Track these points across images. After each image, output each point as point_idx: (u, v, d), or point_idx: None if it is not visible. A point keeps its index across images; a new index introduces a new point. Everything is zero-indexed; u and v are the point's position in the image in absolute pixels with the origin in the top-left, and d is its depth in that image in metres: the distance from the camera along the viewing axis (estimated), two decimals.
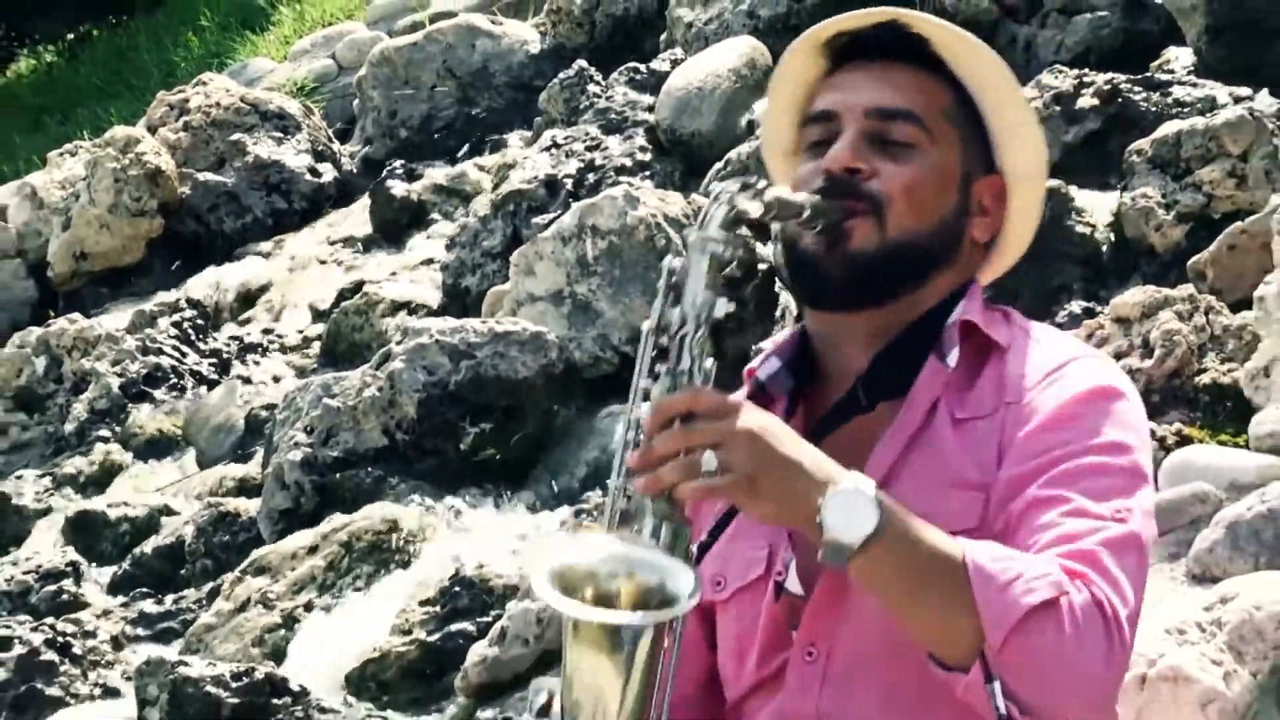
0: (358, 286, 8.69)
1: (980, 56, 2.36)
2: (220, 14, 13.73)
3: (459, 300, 8.08)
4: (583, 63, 9.14)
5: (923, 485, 2.23)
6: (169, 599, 6.97)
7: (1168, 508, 4.74)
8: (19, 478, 8.19)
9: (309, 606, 6.36)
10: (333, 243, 9.61)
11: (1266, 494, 4.51)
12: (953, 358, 2.30)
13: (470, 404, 6.81)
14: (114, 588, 7.23)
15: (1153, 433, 5.08)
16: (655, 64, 8.88)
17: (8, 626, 6.56)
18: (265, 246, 9.78)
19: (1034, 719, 2.09)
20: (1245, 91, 6.60)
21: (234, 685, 5.87)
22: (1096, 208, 6.40)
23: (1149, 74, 7.06)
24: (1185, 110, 6.63)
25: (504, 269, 7.61)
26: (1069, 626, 2.06)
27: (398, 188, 9.36)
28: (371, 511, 6.58)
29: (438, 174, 9.50)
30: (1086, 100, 6.86)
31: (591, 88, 8.89)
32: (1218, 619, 4.11)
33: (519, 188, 8.21)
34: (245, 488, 7.54)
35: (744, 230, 2.17)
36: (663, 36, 9.30)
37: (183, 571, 7.15)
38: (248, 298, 9.40)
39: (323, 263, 9.48)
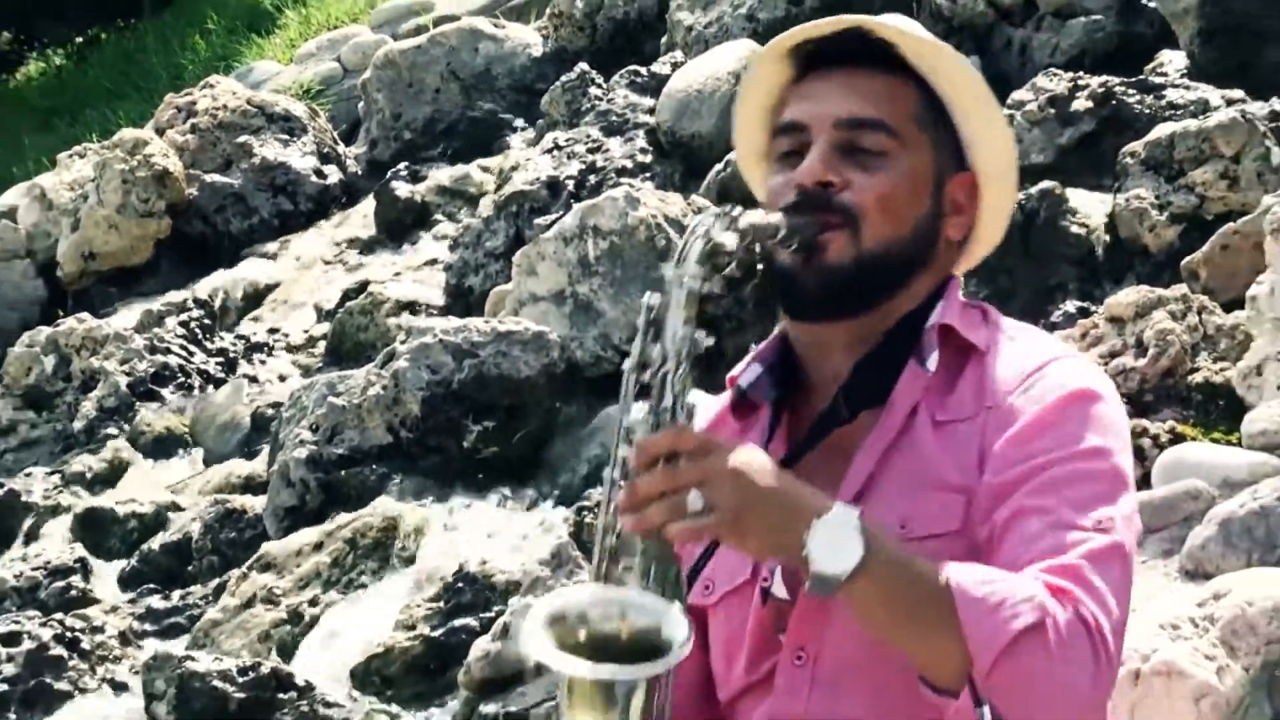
0: (362, 286, 8.68)
1: (945, 58, 2.34)
2: (227, 17, 13.74)
3: (462, 300, 8.08)
4: (584, 66, 9.13)
5: (904, 488, 2.23)
6: (176, 595, 6.97)
7: (1161, 505, 4.74)
8: (28, 475, 8.19)
9: (314, 602, 6.36)
10: (338, 243, 9.61)
11: (1258, 491, 4.51)
12: (932, 362, 2.28)
13: (473, 402, 6.81)
14: (122, 584, 7.23)
15: (1146, 430, 5.09)
16: (656, 67, 8.87)
17: (17, 622, 6.56)
18: (271, 247, 9.78)
19: None
20: (1237, 94, 6.60)
21: (240, 680, 5.88)
22: (1091, 208, 6.40)
23: (1143, 77, 7.06)
24: (1178, 112, 6.63)
25: (507, 269, 7.61)
26: (1055, 648, 2.05)
27: (402, 189, 9.36)
28: (376, 508, 6.58)
29: (441, 175, 9.50)
30: (1081, 102, 6.86)
31: (593, 90, 8.89)
32: (1210, 614, 4.11)
33: (521, 189, 8.21)
34: (251, 485, 7.54)
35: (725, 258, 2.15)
36: (663, 40, 9.30)
37: (190, 568, 7.15)
38: (254, 298, 9.40)
39: (328, 263, 9.48)
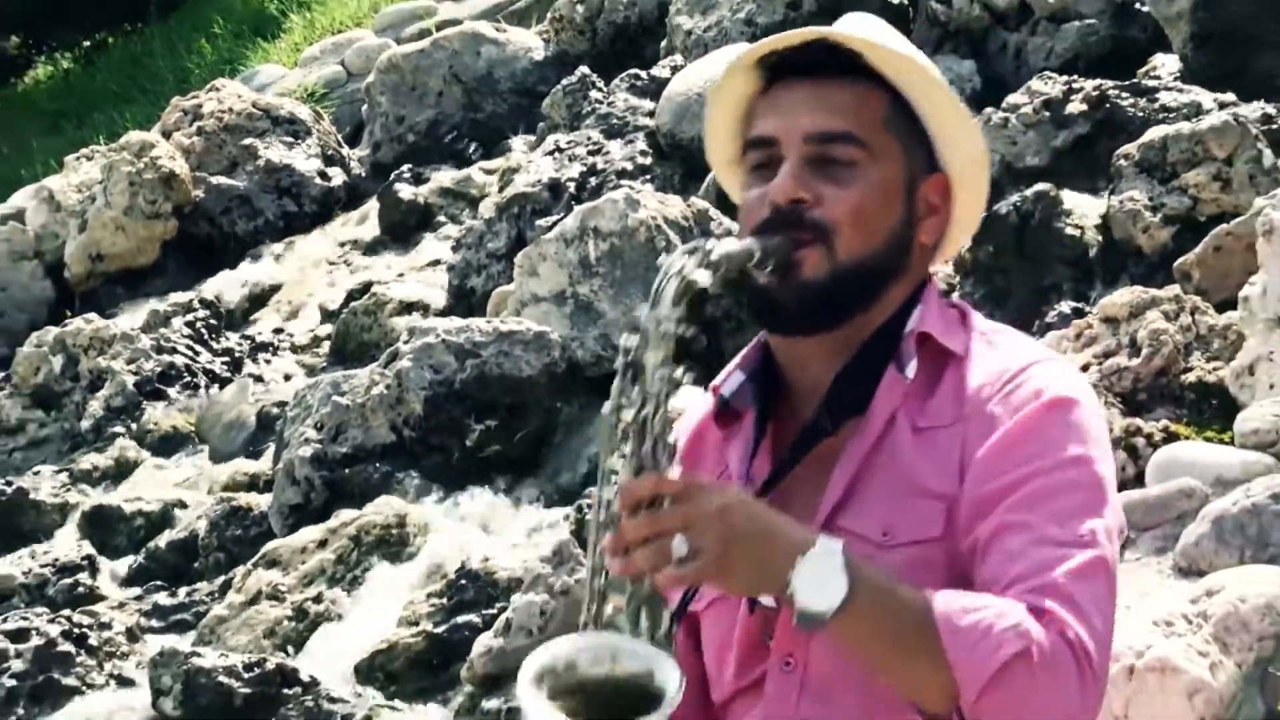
0: (366, 287, 8.68)
1: (910, 63, 2.31)
2: (233, 22, 13.73)
3: (465, 300, 8.07)
4: (585, 69, 9.13)
5: (885, 496, 2.22)
6: (182, 591, 6.96)
7: (1155, 503, 4.73)
8: (36, 473, 8.19)
9: (319, 599, 6.35)
10: (342, 244, 9.60)
11: (1251, 489, 4.50)
12: (911, 369, 2.27)
13: (475, 401, 6.81)
14: (129, 580, 7.23)
15: (1140, 429, 5.09)
16: (655, 70, 8.87)
17: (26, 618, 6.55)
18: (276, 248, 9.77)
19: None
20: (1230, 97, 6.60)
21: (246, 675, 5.87)
22: (1085, 210, 6.40)
23: (1136, 80, 7.05)
24: (1171, 115, 6.63)
25: (508, 270, 7.60)
26: (1040, 674, 2.05)
27: (405, 191, 9.36)
28: (380, 506, 6.58)
29: (444, 177, 9.49)
30: (1075, 105, 6.86)
31: (593, 93, 8.88)
32: (1204, 611, 4.10)
33: (523, 191, 8.20)
34: (257, 483, 7.54)
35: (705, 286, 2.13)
36: (663, 44, 9.30)
37: (196, 565, 7.14)
38: (259, 298, 9.40)
39: (332, 264, 9.47)
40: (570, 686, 2.00)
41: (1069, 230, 6.30)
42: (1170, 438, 5.07)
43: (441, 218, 9.27)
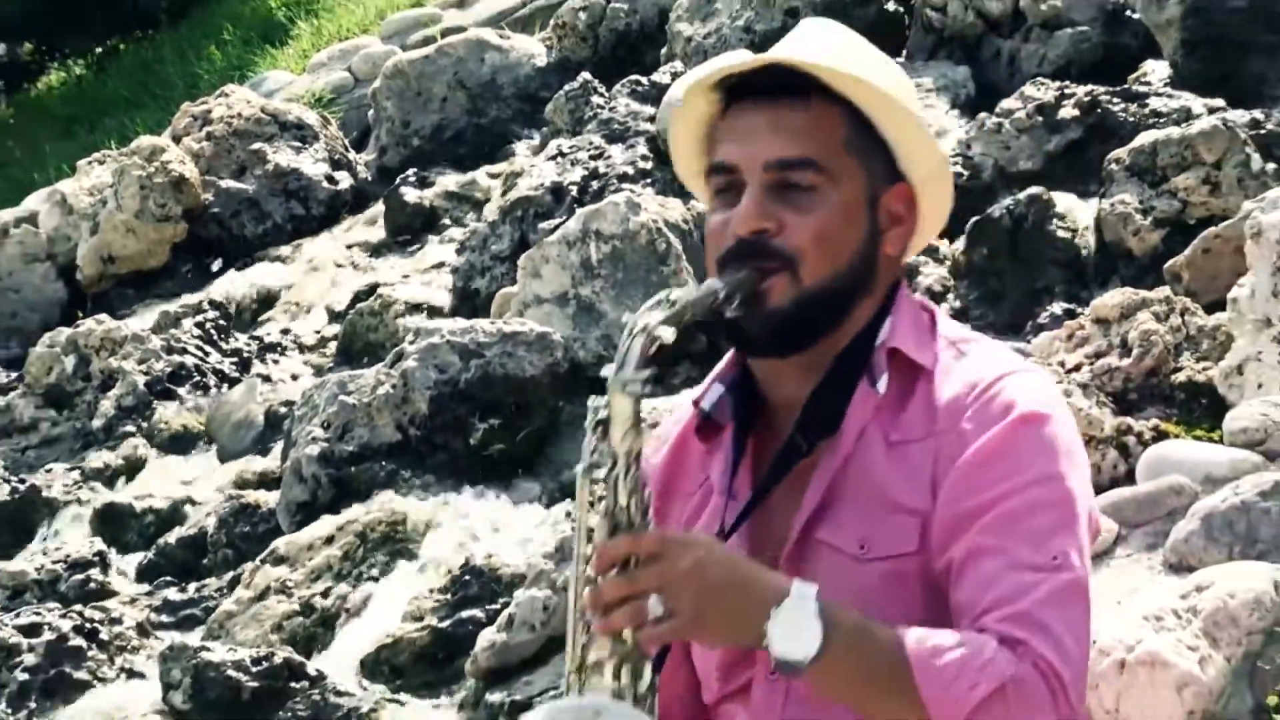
0: (372, 289, 8.67)
1: (862, 86, 2.27)
2: (242, 28, 13.72)
3: (469, 302, 8.07)
4: (587, 75, 9.13)
5: (860, 509, 2.21)
6: (192, 587, 6.96)
7: (1145, 500, 4.73)
8: (49, 471, 8.18)
9: (326, 594, 6.35)
10: (349, 247, 9.60)
11: (1240, 487, 4.50)
12: (882, 383, 2.25)
13: (479, 401, 6.81)
14: (139, 576, 7.22)
15: (1130, 428, 5.08)
16: (656, 76, 8.86)
17: (38, 613, 6.55)
18: (284, 250, 9.77)
19: None
20: (1219, 103, 6.60)
21: (254, 669, 5.87)
22: (1077, 213, 6.40)
23: (1127, 86, 7.05)
24: (1162, 120, 6.63)
25: (512, 272, 7.60)
26: (1016, 708, 2.05)
27: (411, 194, 9.35)
28: (385, 503, 6.57)
29: (449, 181, 9.49)
30: (1067, 111, 6.85)
31: (595, 99, 8.88)
32: (1193, 606, 4.10)
33: (526, 194, 8.20)
34: (265, 481, 7.53)
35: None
36: (663, 50, 9.29)
37: (205, 561, 7.14)
38: (267, 299, 9.39)
39: (339, 266, 9.47)
40: None
41: (1061, 233, 6.29)
42: (1160, 436, 5.07)
43: (446, 221, 9.27)
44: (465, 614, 5.92)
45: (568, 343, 6.93)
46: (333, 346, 8.62)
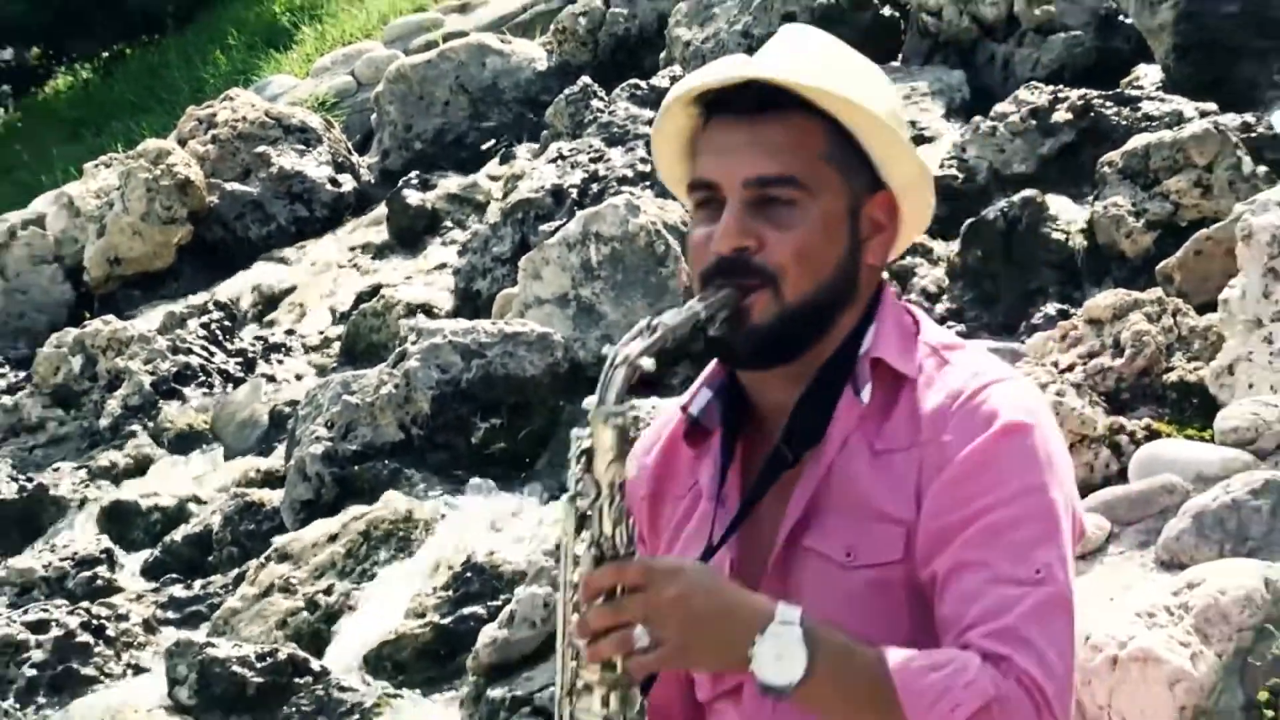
0: (375, 290, 8.68)
1: (838, 100, 2.23)
2: (246, 33, 13.73)
3: (470, 303, 8.07)
4: (587, 79, 9.13)
5: (845, 518, 2.20)
6: (197, 584, 6.97)
7: (1138, 498, 4.73)
8: (56, 470, 8.19)
9: (329, 591, 6.35)
10: (352, 249, 9.60)
11: (1230, 485, 4.50)
12: (866, 392, 2.23)
13: (481, 400, 6.81)
14: (146, 573, 7.23)
15: (1123, 427, 5.08)
16: (655, 80, 8.87)
17: (46, 610, 6.56)
18: (288, 252, 9.77)
19: None
20: (1211, 106, 6.60)
21: (258, 665, 5.87)
22: (1071, 216, 6.40)
23: (1120, 90, 7.06)
24: (1154, 124, 6.63)
25: (513, 273, 7.60)
26: None
27: (413, 197, 9.36)
28: (388, 502, 6.57)
29: (451, 184, 9.49)
30: (1061, 114, 6.86)
31: (595, 103, 8.88)
32: (1185, 603, 4.10)
33: (527, 197, 8.20)
34: (269, 479, 7.54)
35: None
36: (662, 54, 9.30)
37: (210, 558, 7.14)
38: (271, 300, 9.40)
39: (342, 267, 9.47)
40: None
41: (1055, 235, 6.30)
42: (1152, 435, 5.07)
43: (448, 223, 9.27)
44: (467, 611, 5.93)
45: (568, 343, 6.93)
46: (336, 347, 8.62)
